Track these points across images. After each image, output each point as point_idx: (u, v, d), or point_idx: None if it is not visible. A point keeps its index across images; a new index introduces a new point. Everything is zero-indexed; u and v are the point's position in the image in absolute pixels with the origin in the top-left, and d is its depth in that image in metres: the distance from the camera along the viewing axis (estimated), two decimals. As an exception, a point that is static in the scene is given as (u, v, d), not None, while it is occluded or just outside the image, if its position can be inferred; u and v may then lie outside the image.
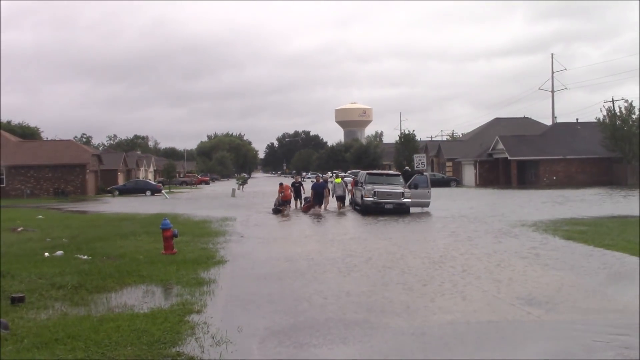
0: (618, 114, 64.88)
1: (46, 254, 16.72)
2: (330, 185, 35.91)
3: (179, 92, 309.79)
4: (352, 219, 29.93)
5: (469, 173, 77.38)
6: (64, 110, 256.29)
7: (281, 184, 34.13)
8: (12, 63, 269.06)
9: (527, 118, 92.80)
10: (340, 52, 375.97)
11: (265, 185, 79.74)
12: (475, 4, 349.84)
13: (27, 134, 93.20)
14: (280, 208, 32.41)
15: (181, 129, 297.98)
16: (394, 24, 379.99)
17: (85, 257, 16.19)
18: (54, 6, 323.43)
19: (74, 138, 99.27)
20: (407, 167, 47.68)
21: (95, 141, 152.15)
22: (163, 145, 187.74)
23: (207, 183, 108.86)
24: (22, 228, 24.83)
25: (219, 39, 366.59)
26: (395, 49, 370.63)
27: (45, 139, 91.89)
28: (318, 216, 30.70)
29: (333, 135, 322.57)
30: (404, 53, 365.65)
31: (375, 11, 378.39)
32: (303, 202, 34.61)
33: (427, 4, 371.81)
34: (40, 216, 32.99)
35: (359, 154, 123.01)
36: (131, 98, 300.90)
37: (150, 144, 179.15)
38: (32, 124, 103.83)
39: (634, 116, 64.05)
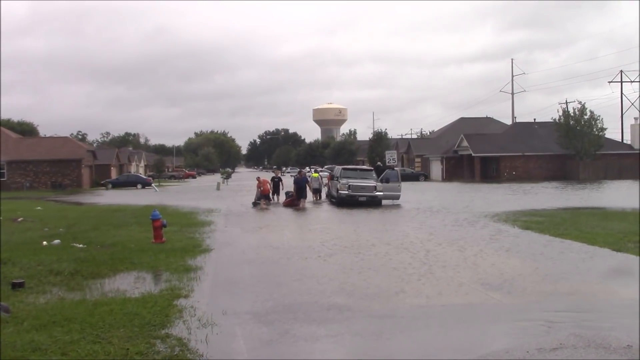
0: (572, 114, 65.79)
1: (44, 242, 16.53)
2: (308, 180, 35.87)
3: (175, 93, 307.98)
4: (328, 211, 29.92)
5: (436, 168, 77.72)
6: (67, 110, 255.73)
7: (258, 178, 33.72)
8: (25, 67, 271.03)
9: (490, 118, 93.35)
10: (325, 57, 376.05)
11: (247, 180, 79.48)
12: (449, 16, 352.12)
13: (26, 130, 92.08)
14: (259, 202, 32.02)
15: (174, 127, 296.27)
16: (375, 32, 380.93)
17: (81, 245, 16.02)
18: (64, 14, 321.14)
19: (70, 135, 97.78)
20: (379, 163, 47.63)
21: (90, 138, 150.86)
22: (154, 142, 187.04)
23: (193, 177, 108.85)
24: (22, 218, 24.54)
25: (214, 45, 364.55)
26: (376, 55, 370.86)
27: (44, 136, 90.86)
28: (297, 208, 30.53)
29: (312, 133, 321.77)
30: (384, 59, 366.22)
31: (359, 20, 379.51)
32: (285, 197, 33.92)
33: (407, 15, 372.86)
34: (39, 207, 32.61)
35: (337, 150, 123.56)
36: (130, 98, 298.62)
37: (141, 140, 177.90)
38: (37, 123, 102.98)
39: (585, 117, 65.05)
